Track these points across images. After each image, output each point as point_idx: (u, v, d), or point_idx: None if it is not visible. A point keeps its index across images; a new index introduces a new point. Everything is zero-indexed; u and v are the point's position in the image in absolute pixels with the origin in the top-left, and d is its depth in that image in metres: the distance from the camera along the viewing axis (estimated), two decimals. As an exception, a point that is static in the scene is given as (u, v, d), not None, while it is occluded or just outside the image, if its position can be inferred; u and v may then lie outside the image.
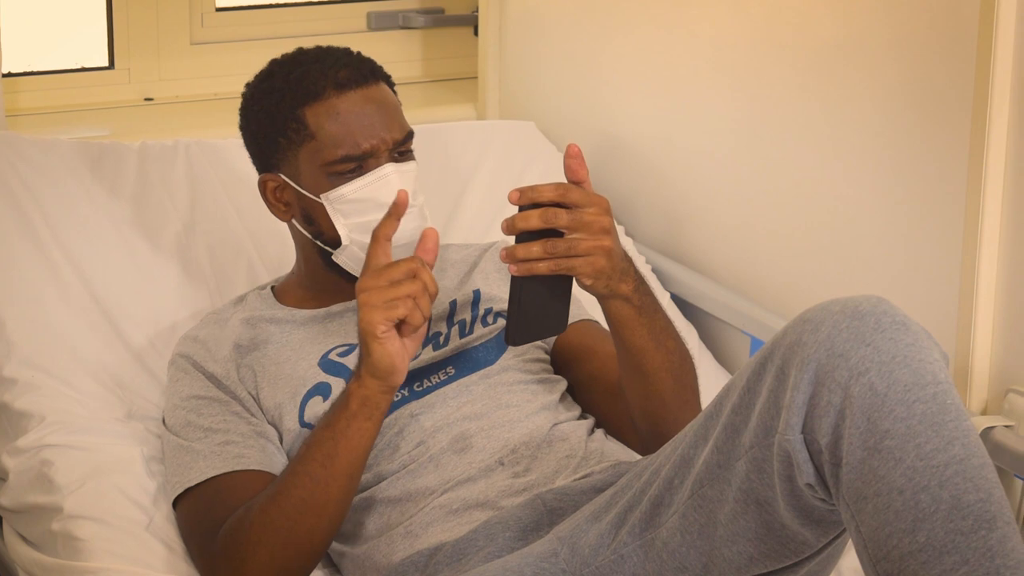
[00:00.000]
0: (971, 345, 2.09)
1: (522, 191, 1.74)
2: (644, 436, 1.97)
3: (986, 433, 2.02)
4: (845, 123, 2.28)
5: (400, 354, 1.78)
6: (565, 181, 1.77)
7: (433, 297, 1.79)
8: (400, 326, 1.78)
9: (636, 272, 1.84)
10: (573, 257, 1.74)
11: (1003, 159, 2.03)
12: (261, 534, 1.82)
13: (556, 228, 1.74)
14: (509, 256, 1.73)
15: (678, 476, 1.65)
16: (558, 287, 1.77)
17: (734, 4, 2.48)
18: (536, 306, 1.76)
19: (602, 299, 1.83)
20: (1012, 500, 2.04)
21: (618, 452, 1.98)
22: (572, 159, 1.77)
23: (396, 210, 1.82)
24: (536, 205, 1.74)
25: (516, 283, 1.75)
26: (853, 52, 2.25)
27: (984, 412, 2.11)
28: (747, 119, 2.48)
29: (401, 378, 1.80)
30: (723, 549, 1.62)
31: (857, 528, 1.49)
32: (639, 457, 1.97)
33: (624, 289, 1.81)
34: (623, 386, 1.95)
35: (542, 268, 1.73)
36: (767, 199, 2.46)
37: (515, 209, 1.74)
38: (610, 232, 1.76)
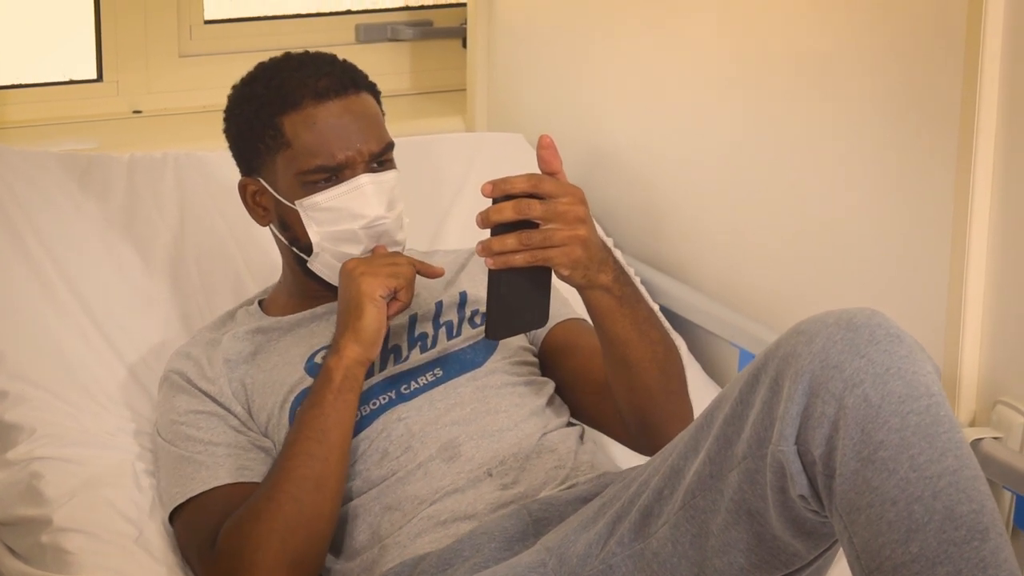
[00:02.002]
0: (959, 357, 2.09)
1: (494, 183, 1.74)
2: (633, 431, 1.97)
3: (975, 445, 2.02)
4: (833, 134, 2.28)
5: (384, 326, 1.92)
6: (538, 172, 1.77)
7: (409, 300, 1.95)
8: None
9: (615, 262, 1.83)
10: (549, 248, 1.74)
11: (990, 171, 2.03)
12: (271, 522, 1.83)
13: (531, 219, 1.73)
14: (485, 249, 1.73)
15: (668, 486, 1.64)
16: (536, 279, 1.77)
17: (722, 15, 2.49)
18: (515, 299, 1.76)
19: (581, 290, 1.82)
20: (1001, 511, 2.04)
21: (607, 464, 1.98)
22: (545, 150, 1.77)
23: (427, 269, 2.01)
24: (510, 197, 1.74)
25: (494, 277, 1.74)
26: (841, 62, 2.25)
27: (972, 424, 2.11)
28: (736, 131, 2.48)
29: (377, 351, 1.92)
30: (714, 559, 1.62)
31: (850, 539, 1.49)
32: (627, 467, 1.97)
33: (603, 279, 1.81)
34: (609, 380, 1.94)
35: (518, 260, 1.73)
36: (756, 211, 2.46)
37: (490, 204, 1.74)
38: (585, 221, 1.75)
